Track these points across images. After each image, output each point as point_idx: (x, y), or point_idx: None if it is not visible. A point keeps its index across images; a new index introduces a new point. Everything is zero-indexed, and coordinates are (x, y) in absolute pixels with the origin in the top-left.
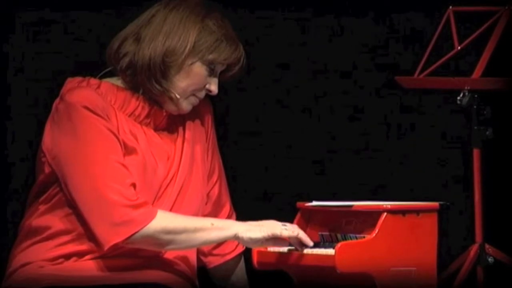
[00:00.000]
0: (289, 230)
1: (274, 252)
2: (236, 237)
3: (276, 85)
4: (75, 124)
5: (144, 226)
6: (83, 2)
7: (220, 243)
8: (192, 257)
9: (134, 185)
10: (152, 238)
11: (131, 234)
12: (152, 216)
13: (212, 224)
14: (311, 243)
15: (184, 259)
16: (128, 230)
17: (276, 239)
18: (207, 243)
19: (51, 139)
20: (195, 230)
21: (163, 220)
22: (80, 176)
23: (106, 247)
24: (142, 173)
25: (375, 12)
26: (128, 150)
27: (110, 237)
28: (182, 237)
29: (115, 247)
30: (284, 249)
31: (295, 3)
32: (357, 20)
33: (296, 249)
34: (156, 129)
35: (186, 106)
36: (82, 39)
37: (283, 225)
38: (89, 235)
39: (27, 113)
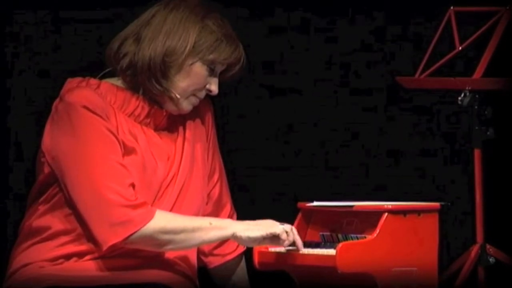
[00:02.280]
0: (287, 228)
1: (275, 252)
2: (234, 236)
3: (276, 85)
4: (75, 124)
5: (143, 226)
6: (84, 2)
7: (220, 243)
8: (193, 257)
9: (133, 185)
10: (151, 238)
11: (129, 234)
12: (150, 216)
13: (211, 224)
14: (301, 248)
15: (185, 259)
16: (126, 230)
17: (273, 238)
18: (206, 242)
19: (51, 139)
20: (194, 229)
21: (162, 220)
22: (79, 176)
23: (104, 248)
24: (142, 173)
25: (375, 12)
26: (127, 150)
27: (109, 237)
28: (181, 236)
29: (114, 247)
30: (284, 249)
31: (293, 4)
32: (358, 20)
33: (296, 249)
34: (156, 129)
35: (186, 106)
36: (83, 39)
37: (280, 224)
38: (89, 235)
39: (26, 113)
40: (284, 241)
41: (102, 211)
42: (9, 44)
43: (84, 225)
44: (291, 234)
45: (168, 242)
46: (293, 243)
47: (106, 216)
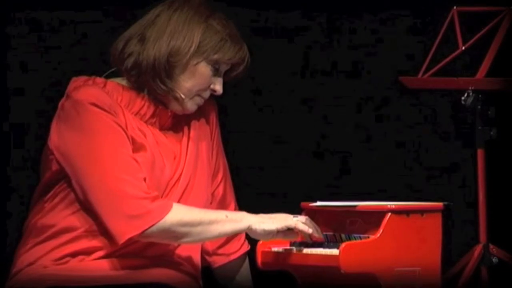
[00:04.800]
0: (301, 220)
1: (278, 252)
2: (249, 229)
3: (280, 85)
4: (84, 120)
5: (161, 218)
6: (87, 2)
7: (224, 243)
8: (196, 257)
9: (145, 179)
10: (169, 231)
11: (147, 227)
12: (168, 209)
13: (227, 216)
14: (321, 239)
15: (188, 258)
16: (144, 223)
17: (287, 232)
18: (222, 235)
19: (59, 136)
20: (210, 222)
21: (179, 213)
22: (91, 171)
23: (121, 242)
24: (151, 170)
25: (378, 12)
26: (137, 146)
27: (126, 231)
28: (198, 229)
29: (130, 241)
30: (283, 248)
31: (289, 4)
32: (360, 20)
33: (298, 249)
34: (161, 129)
35: (191, 106)
36: (84, 39)
37: (294, 217)
38: (95, 233)
39: (28, 113)
40: (306, 231)
41: (118, 204)
42: (10, 44)
43: (99, 220)
44: (308, 223)
45: (185, 234)
46: (298, 243)
47: (122, 209)
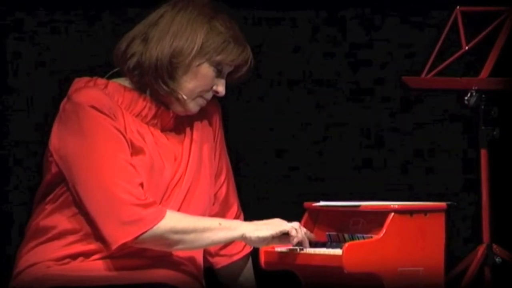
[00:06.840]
0: (295, 226)
1: (281, 252)
2: (243, 237)
3: (280, 85)
4: (83, 123)
5: (154, 225)
6: (87, 2)
7: (227, 244)
8: (199, 257)
9: (142, 184)
10: (161, 238)
11: (140, 233)
12: (161, 216)
13: (220, 224)
14: (307, 246)
15: (191, 259)
16: (137, 229)
17: (282, 237)
18: (215, 243)
19: (59, 139)
20: (204, 230)
21: (172, 220)
22: (88, 175)
23: (114, 247)
24: (149, 173)
25: (382, 12)
26: (135, 150)
27: (119, 236)
28: (191, 237)
29: (123, 246)
30: (286, 248)
31: (294, 3)
32: (362, 20)
33: (301, 249)
34: (163, 130)
35: (193, 107)
36: (85, 39)
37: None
38: (97, 234)
39: (27, 113)
40: (294, 238)
41: (112, 210)
42: (11, 44)
43: (93, 224)
44: (299, 231)
45: (178, 242)
46: (300, 242)
47: (116, 215)
